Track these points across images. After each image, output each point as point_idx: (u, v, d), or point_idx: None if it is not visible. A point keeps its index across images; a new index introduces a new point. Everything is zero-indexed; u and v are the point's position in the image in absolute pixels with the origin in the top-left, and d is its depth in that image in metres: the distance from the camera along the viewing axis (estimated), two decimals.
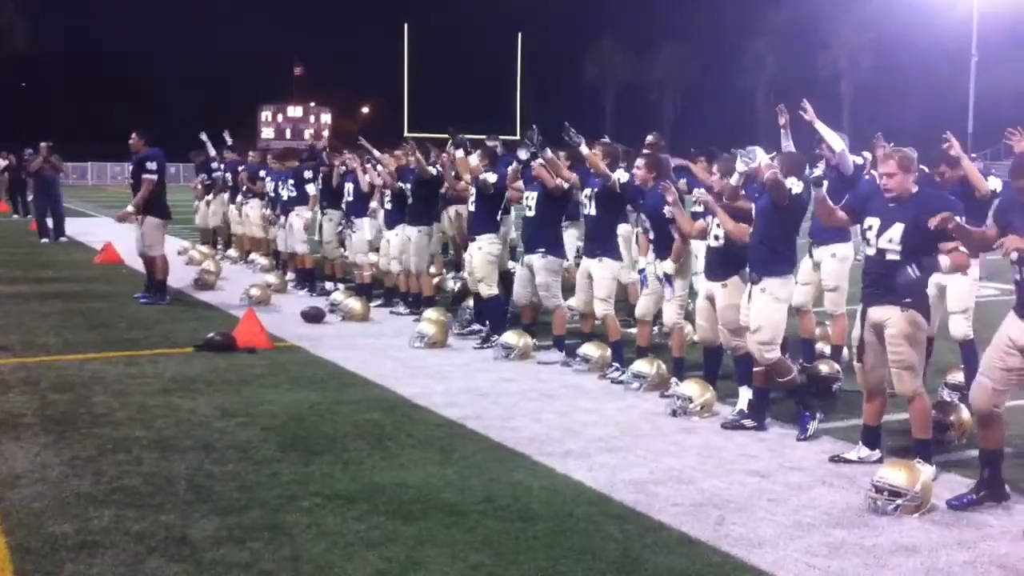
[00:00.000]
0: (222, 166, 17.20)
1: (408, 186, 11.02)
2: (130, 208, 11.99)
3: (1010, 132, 7.23)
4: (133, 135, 12.28)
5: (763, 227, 6.72)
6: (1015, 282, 5.26)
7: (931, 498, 5.19)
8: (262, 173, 15.12)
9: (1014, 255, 5.15)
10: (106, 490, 5.29)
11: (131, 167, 12.44)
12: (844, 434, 6.53)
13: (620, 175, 8.55)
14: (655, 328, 8.68)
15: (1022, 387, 5.38)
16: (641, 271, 8.40)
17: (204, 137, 17.35)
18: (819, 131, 8.05)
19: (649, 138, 10.05)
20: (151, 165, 11.90)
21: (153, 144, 12.24)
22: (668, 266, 7.86)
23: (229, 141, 17.70)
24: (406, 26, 57.08)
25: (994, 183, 7.19)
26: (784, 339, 7.10)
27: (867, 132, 9.35)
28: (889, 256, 5.66)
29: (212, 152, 17.59)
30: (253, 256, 15.61)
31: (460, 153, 11.41)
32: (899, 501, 5.09)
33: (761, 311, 6.66)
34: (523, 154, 9.00)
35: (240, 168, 16.27)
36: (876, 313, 5.77)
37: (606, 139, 9.59)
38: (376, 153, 11.75)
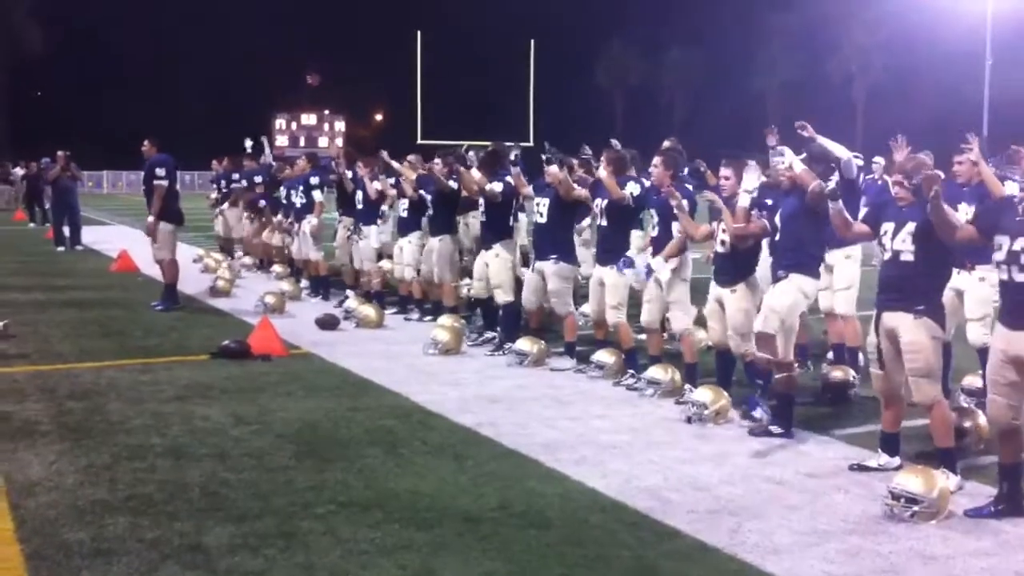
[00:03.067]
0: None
1: (429, 196, 10.97)
2: (150, 219, 12.08)
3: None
4: (146, 142, 12.39)
5: (791, 229, 6.65)
6: (1001, 283, 5.20)
7: (948, 505, 5.16)
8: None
9: (1003, 255, 5.09)
10: (121, 497, 5.31)
11: (143, 174, 12.56)
12: (860, 440, 6.49)
13: (631, 188, 8.47)
14: (664, 335, 8.65)
15: None
16: (627, 259, 8.20)
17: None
18: (823, 145, 7.83)
19: (666, 143, 9.99)
20: (160, 171, 11.99)
21: (164, 151, 12.35)
22: (658, 261, 7.83)
23: (267, 150, 16.79)
24: (419, 34, 57.28)
25: (1011, 188, 7.15)
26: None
27: (880, 134, 9.32)
28: (904, 257, 5.63)
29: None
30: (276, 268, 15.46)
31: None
32: (916, 508, 5.06)
33: (779, 294, 6.62)
34: (513, 155, 9.23)
35: (256, 178, 16.17)
36: (890, 320, 5.73)
37: (614, 143, 9.51)
38: (396, 165, 11.70)
